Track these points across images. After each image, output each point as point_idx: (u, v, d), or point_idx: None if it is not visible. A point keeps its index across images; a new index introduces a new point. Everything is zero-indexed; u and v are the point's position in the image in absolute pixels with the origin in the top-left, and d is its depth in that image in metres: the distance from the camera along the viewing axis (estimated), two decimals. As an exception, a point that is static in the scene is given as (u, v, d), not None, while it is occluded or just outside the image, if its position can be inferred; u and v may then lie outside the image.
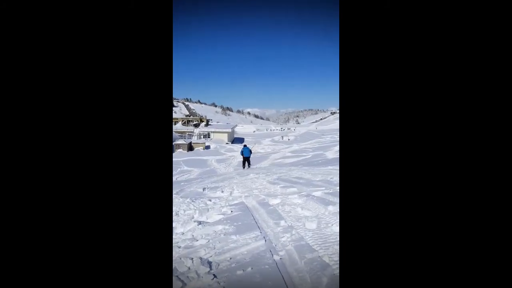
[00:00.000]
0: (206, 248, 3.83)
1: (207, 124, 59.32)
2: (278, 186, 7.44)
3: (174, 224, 4.70)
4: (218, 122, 73.64)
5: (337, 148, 30.42)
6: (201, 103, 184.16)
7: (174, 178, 17.63)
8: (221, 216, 5.02)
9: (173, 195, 7.06)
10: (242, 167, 20.93)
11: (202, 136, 50.29)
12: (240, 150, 25.03)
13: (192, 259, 3.54)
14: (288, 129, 78.06)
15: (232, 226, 4.50)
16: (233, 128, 57.28)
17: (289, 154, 31.10)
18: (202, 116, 79.92)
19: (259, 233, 4.17)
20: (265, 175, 10.45)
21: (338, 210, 3.80)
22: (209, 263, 3.47)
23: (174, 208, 5.63)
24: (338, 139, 40.23)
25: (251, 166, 21.82)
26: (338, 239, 3.22)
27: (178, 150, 36.82)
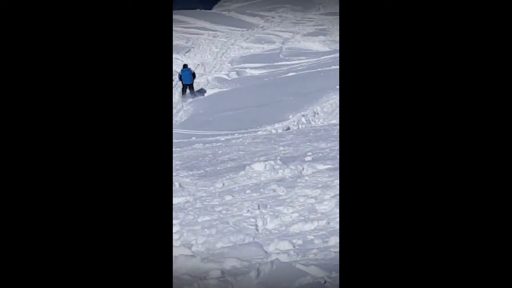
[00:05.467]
0: None
1: None
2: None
3: None
4: None
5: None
6: None
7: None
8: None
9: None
10: (181, 96, 25.46)
11: None
12: (178, 74, 26.39)
13: None
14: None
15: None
16: None
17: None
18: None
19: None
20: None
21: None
22: None
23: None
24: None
25: (194, 93, 25.61)
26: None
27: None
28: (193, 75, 25.71)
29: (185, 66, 26.55)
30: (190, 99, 24.48)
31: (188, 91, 25.31)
